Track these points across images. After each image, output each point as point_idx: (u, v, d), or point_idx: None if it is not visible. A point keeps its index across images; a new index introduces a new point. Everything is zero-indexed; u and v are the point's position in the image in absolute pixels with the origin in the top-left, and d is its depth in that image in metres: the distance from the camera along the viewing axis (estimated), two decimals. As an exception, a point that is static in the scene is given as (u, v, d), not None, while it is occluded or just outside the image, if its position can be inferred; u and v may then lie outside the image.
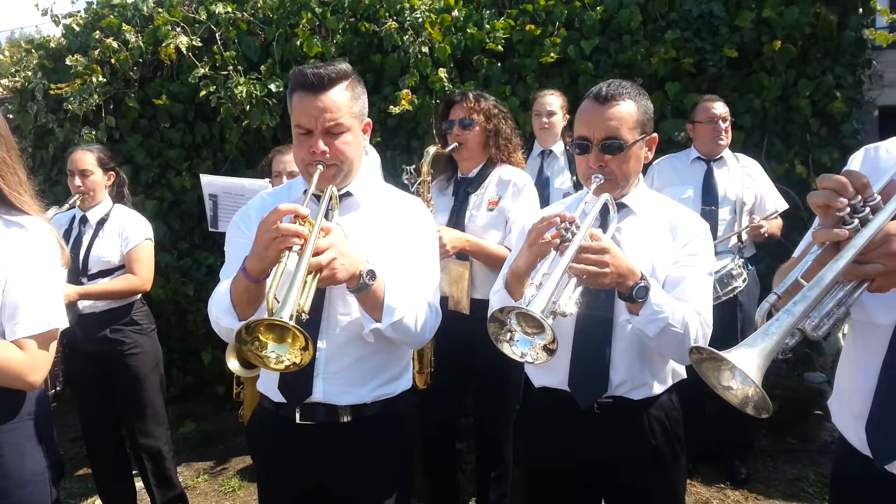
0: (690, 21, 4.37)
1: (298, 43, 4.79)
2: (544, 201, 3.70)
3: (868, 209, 1.18)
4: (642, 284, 1.73)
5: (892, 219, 1.18)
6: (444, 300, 3.04)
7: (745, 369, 1.09)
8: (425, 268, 1.94)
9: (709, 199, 3.88)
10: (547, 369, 1.94)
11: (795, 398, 4.43)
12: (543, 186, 4.14)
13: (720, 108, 3.83)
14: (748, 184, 3.90)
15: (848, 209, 1.18)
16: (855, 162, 1.59)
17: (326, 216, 1.75)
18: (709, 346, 1.24)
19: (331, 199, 1.80)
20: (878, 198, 1.20)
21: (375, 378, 1.90)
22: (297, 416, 1.86)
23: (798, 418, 4.41)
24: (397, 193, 2.07)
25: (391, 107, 4.57)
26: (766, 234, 3.79)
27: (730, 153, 3.97)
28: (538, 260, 1.74)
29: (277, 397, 1.89)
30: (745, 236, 3.86)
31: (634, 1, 4.47)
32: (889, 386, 1.37)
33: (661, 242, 1.93)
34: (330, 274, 1.62)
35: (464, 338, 2.96)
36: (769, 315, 1.17)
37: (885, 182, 1.24)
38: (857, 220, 1.18)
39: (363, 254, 1.75)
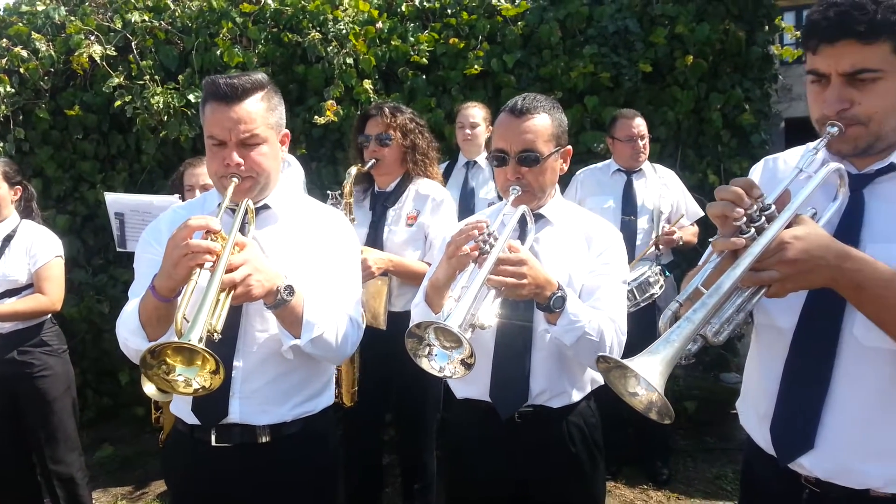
0: (607, 37, 4.51)
1: (218, 53, 4.69)
2: (469, 212, 3.74)
3: (764, 218, 1.24)
4: (559, 294, 1.76)
5: (787, 227, 1.24)
6: (365, 315, 3.05)
7: (647, 377, 1.12)
8: (346, 281, 1.92)
9: (628, 209, 4.02)
10: (468, 381, 1.95)
11: (712, 399, 4.61)
12: (469, 197, 4.20)
13: (638, 126, 3.96)
14: (665, 193, 4.04)
15: (744, 219, 1.23)
16: (755, 172, 1.67)
17: (242, 230, 1.71)
18: (625, 351, 1.28)
19: (246, 212, 1.76)
20: (773, 207, 1.26)
21: (295, 396, 1.86)
22: (213, 437, 1.80)
23: (715, 418, 4.58)
24: (317, 206, 2.04)
25: (316, 118, 4.54)
26: (681, 242, 3.94)
27: (648, 164, 4.11)
28: (457, 272, 1.75)
29: (191, 419, 1.83)
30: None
31: (554, 17, 4.58)
32: (791, 387, 1.43)
33: (578, 252, 1.98)
34: (245, 291, 1.57)
35: (383, 351, 2.95)
36: (672, 322, 1.21)
37: (779, 192, 1.30)
38: (753, 230, 1.23)
39: (281, 268, 1.71)
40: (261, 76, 1.82)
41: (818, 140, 1.36)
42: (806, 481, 1.43)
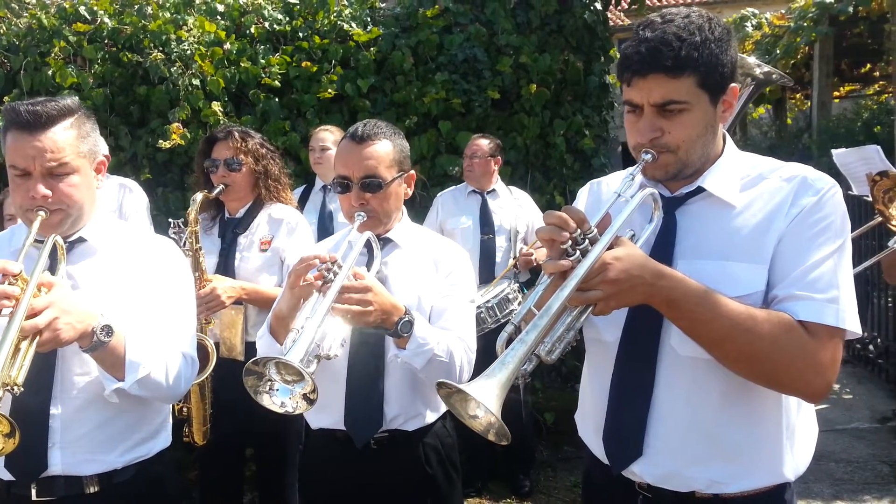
0: (457, 65, 4.66)
1: (50, 73, 4.36)
2: (328, 235, 3.69)
3: (587, 241, 1.31)
4: (406, 319, 1.77)
5: (608, 248, 1.32)
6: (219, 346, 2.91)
7: (483, 401, 1.15)
8: (176, 315, 1.81)
9: (486, 229, 4.17)
10: (322, 410, 1.91)
11: (570, 409, 4.77)
12: (327, 220, 4.15)
13: (479, 145, 4.14)
14: (520, 213, 4.23)
15: (570, 242, 1.30)
16: (582, 195, 1.77)
17: (53, 268, 1.58)
18: (481, 368, 1.30)
19: (55, 248, 1.62)
20: (595, 230, 1.33)
21: (125, 440, 1.73)
22: (34, 492, 1.64)
23: (573, 428, 4.70)
24: (143, 236, 1.93)
25: (161, 141, 4.31)
26: (536, 262, 4.11)
27: (503, 185, 4.30)
28: (301, 302, 1.71)
29: (5, 475, 1.65)
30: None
31: (406, 44, 4.67)
32: (619, 398, 1.51)
33: (426, 274, 2.01)
34: (52, 336, 1.44)
35: (241, 383, 2.82)
36: (508, 343, 1.25)
37: (601, 216, 1.38)
38: (578, 252, 1.30)
39: (98, 307, 1.59)
40: (70, 101, 1.69)
41: (634, 166, 1.46)
42: (639, 487, 1.51)
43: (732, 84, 1.44)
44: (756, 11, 9.90)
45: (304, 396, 1.54)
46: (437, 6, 4.70)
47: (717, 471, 1.44)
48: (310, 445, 2.09)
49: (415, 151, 4.66)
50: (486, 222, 4.17)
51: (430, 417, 2.00)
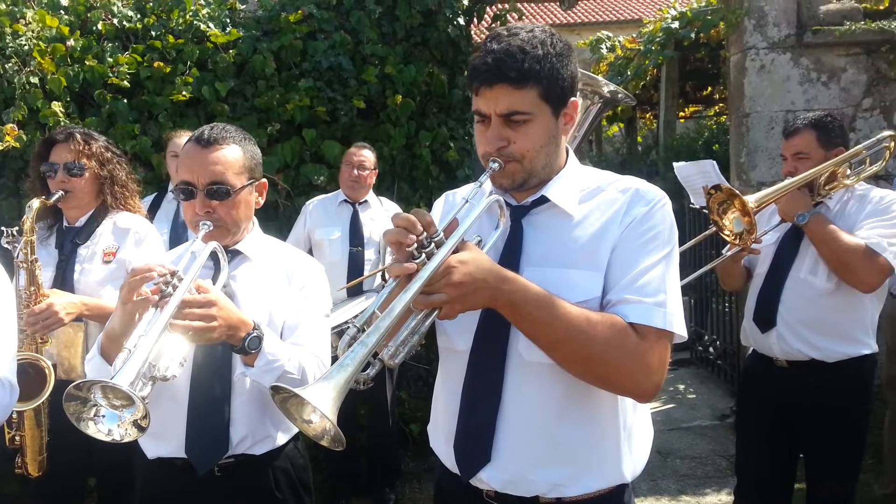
0: (322, 72, 4.58)
1: None
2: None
3: (433, 245, 1.31)
4: (255, 335, 1.69)
5: (454, 252, 1.32)
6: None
7: (318, 405, 1.11)
8: None
9: (356, 241, 4.11)
10: (160, 437, 1.79)
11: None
12: (182, 230, 3.94)
13: (358, 155, 4.10)
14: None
15: (415, 245, 1.29)
16: (438, 205, 1.78)
17: None
18: None
19: None
20: (442, 234, 1.34)
21: None
22: None
23: (438, 438, 4.80)
24: None
25: (-8, 143, 3.93)
26: None
27: (374, 196, 4.26)
28: (136, 318, 1.59)
29: None
30: (387, 275, 4.14)
31: (267, 48, 4.54)
32: (469, 405, 1.52)
33: (278, 288, 1.93)
34: None
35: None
36: (350, 346, 1.22)
37: (448, 220, 1.39)
38: (424, 255, 1.29)
39: None
40: None
41: (483, 174, 1.48)
42: (487, 496, 1.52)
43: (573, 98, 1.50)
44: (610, 34, 10.52)
45: (135, 423, 1.41)
46: (300, 11, 4.61)
47: (559, 473, 1.47)
48: (147, 478, 1.92)
49: (278, 159, 4.55)
50: (355, 234, 4.12)
51: (282, 439, 1.92)
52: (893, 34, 5.18)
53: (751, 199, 2.58)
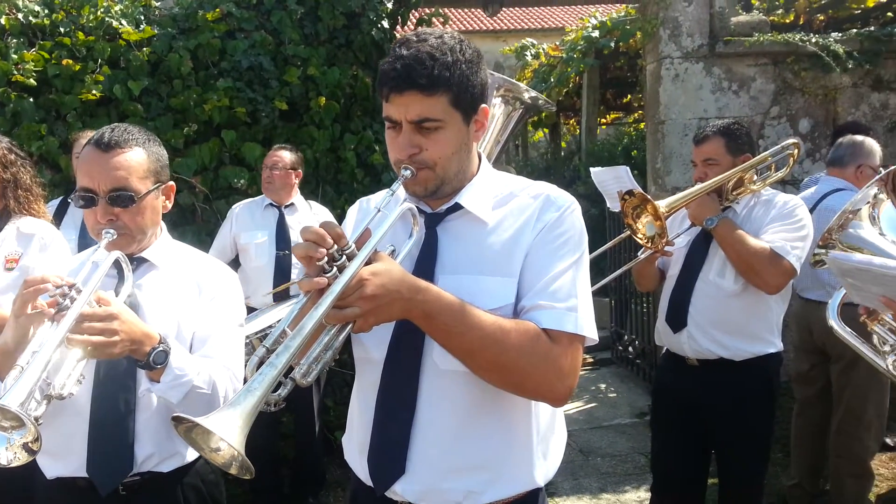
0: (241, 72, 4.47)
1: None
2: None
3: (345, 257, 1.28)
4: (160, 349, 1.62)
5: (367, 264, 1.30)
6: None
7: (223, 435, 1.06)
8: None
9: (282, 244, 4.03)
10: (60, 456, 1.70)
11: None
12: (88, 237, 3.75)
13: (280, 156, 4.02)
14: None
15: (326, 258, 1.26)
16: (352, 212, 1.76)
17: None
18: None
19: None
20: (353, 246, 1.31)
21: None
22: None
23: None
24: None
25: None
26: None
27: (302, 199, 4.19)
28: (31, 333, 1.50)
29: None
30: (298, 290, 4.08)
31: (184, 46, 4.40)
32: (384, 416, 1.50)
33: (187, 298, 1.85)
34: None
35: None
36: (258, 367, 1.18)
37: (360, 231, 1.36)
38: (335, 268, 1.27)
39: None
40: None
41: (395, 182, 1.46)
42: None
43: (483, 105, 1.51)
44: (535, 42, 10.71)
45: (25, 446, 1.33)
46: (218, 10, 4.49)
47: (473, 481, 1.47)
48: (45, 498, 1.81)
49: (195, 161, 4.41)
50: (282, 237, 4.03)
51: (191, 455, 1.84)
52: (798, 46, 5.47)
53: (662, 204, 2.67)
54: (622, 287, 6.47)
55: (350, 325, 1.29)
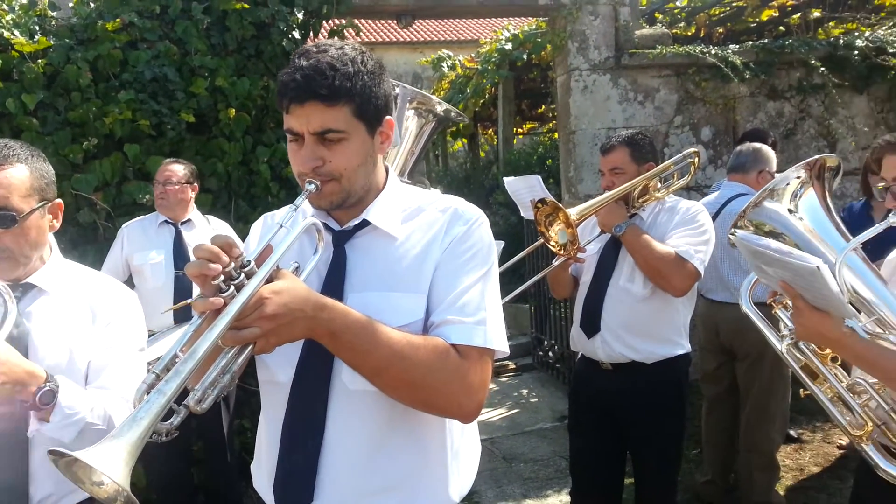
0: (145, 83, 4.30)
1: None
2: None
3: (243, 275, 1.23)
4: (47, 388, 1.52)
5: (268, 282, 1.25)
6: None
7: (103, 468, 0.98)
8: None
9: (181, 263, 3.84)
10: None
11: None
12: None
13: (172, 170, 3.85)
14: None
15: (223, 277, 1.21)
16: (256, 227, 1.70)
17: None
18: None
19: None
20: (253, 263, 1.26)
21: None
22: None
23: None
24: None
25: None
26: None
27: (199, 215, 4.02)
28: None
29: None
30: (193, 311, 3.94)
31: (82, 57, 4.19)
32: (291, 441, 1.44)
33: (81, 324, 1.75)
34: None
35: None
36: (146, 394, 1.11)
37: (261, 248, 1.31)
38: (232, 287, 1.21)
39: None
40: None
41: (299, 197, 1.42)
42: None
43: (388, 117, 1.49)
44: (451, 53, 10.82)
45: None
46: (119, 20, 4.31)
47: (386, 502, 1.44)
48: None
49: (96, 177, 4.21)
50: (180, 256, 3.85)
51: None
52: (698, 58, 5.72)
53: (573, 212, 2.72)
54: (541, 293, 6.57)
55: (250, 347, 1.23)
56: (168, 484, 3.73)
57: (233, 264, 1.22)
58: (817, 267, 1.67)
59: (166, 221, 3.90)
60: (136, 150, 4.29)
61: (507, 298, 3.37)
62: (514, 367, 6.82)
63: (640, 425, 2.92)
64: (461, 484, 1.55)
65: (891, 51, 6.04)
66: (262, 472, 1.54)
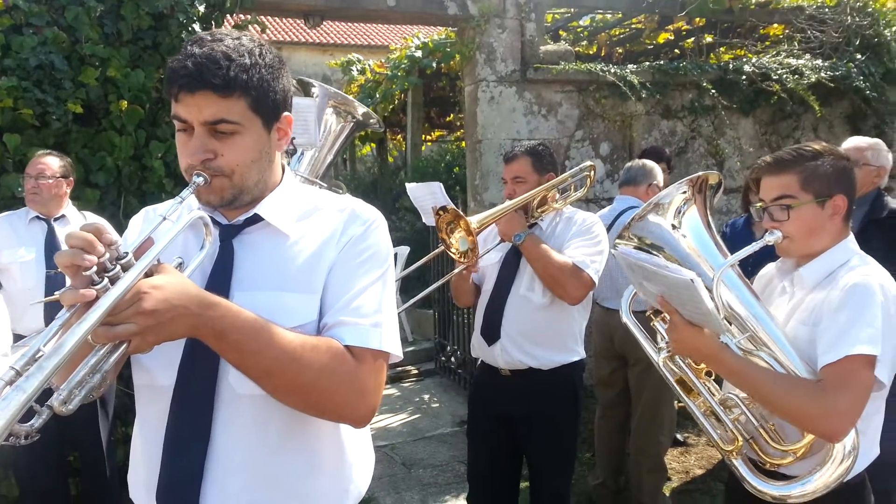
0: (29, 71, 4.02)
1: None
2: None
3: (119, 267, 1.16)
4: None
5: (147, 276, 1.18)
6: None
7: None
8: None
9: (53, 263, 3.59)
10: None
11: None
12: None
13: (46, 163, 3.64)
14: None
15: (96, 268, 1.13)
16: (135, 222, 1.62)
17: None
18: None
19: None
20: (131, 255, 1.19)
21: None
22: None
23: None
24: None
25: None
26: None
27: (75, 211, 3.84)
28: None
29: None
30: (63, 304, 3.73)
31: (-44, 41, 3.88)
32: (173, 449, 1.36)
33: None
34: None
35: None
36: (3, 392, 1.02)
37: (141, 240, 1.23)
38: (106, 280, 1.14)
39: None
40: None
41: (185, 189, 1.36)
42: None
43: (286, 113, 1.45)
44: (361, 57, 10.76)
45: None
46: (2, 2, 4.01)
47: None
48: None
49: (-30, 168, 3.90)
50: (52, 254, 3.61)
51: None
52: (599, 75, 5.94)
53: (473, 220, 2.74)
54: (445, 299, 6.61)
55: (125, 346, 1.16)
56: (43, 495, 3.49)
57: (108, 254, 1.14)
58: (691, 280, 1.74)
59: (37, 217, 3.66)
60: (17, 141, 3.99)
61: (409, 303, 3.38)
62: (416, 372, 6.82)
63: (536, 430, 2.97)
64: (355, 491, 1.51)
65: (774, 77, 6.48)
66: (140, 483, 1.44)
